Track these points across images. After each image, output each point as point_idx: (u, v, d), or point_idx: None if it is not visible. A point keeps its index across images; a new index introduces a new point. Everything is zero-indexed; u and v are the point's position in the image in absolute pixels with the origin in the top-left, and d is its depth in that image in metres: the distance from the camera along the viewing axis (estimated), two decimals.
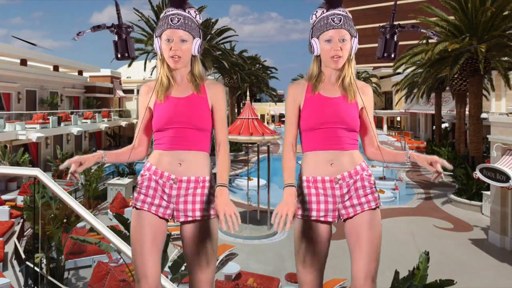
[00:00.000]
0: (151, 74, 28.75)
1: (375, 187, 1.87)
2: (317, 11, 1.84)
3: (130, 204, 1.90)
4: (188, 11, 1.83)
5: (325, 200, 1.82)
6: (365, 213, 1.80)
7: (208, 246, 1.81)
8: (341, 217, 1.83)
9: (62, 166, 1.84)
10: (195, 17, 1.84)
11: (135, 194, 1.86)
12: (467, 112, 19.81)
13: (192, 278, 1.85)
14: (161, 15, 1.85)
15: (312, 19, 1.85)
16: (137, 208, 1.83)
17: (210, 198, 1.82)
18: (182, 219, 1.82)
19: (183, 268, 5.80)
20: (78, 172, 1.78)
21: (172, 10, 1.82)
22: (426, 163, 1.74)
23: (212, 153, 1.94)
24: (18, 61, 24.49)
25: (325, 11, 1.82)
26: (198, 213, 1.80)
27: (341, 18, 1.79)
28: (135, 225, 1.82)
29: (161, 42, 1.82)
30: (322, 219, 1.82)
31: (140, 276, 1.77)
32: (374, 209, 1.82)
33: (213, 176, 1.88)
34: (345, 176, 1.82)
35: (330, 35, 1.78)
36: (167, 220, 1.85)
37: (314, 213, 1.82)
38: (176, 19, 1.79)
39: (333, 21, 1.78)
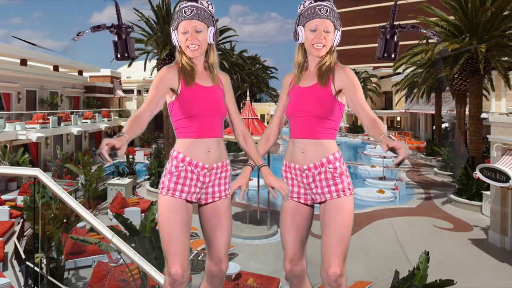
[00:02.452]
0: (151, 74, 28.74)
1: (341, 178, 1.93)
2: (305, 1, 1.94)
3: (162, 193, 1.93)
4: (201, 2, 1.92)
5: (298, 184, 2.01)
6: (331, 200, 1.94)
7: (229, 219, 2.02)
8: (315, 201, 2.02)
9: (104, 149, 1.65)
10: (208, 7, 1.93)
11: (171, 185, 1.91)
12: (467, 112, 19.79)
13: (212, 247, 2.00)
14: (176, 9, 1.94)
15: (300, 8, 1.95)
16: (173, 197, 1.92)
17: (228, 181, 2.03)
18: (210, 200, 1.99)
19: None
20: (115, 156, 1.70)
21: (185, 3, 1.91)
22: (386, 147, 1.67)
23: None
24: (18, 61, 24.48)
25: (313, 1, 1.92)
26: (223, 194, 2.00)
27: (327, 9, 1.89)
28: (170, 210, 1.91)
29: (178, 35, 1.92)
30: (295, 200, 2.02)
31: (173, 256, 1.86)
32: (337, 198, 1.93)
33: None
34: (311, 167, 1.95)
35: (315, 24, 1.88)
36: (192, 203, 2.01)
37: (294, 195, 2.02)
38: (189, 10, 1.88)
39: (320, 11, 1.88)
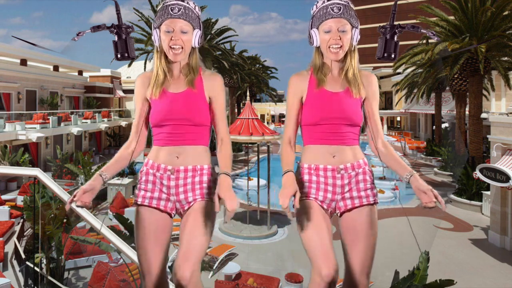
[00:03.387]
0: None
1: (374, 184, 1.85)
2: (318, 1, 1.81)
3: (133, 201, 1.89)
4: (187, 2, 1.80)
5: (325, 188, 1.80)
6: (364, 208, 1.78)
7: (196, 219, 1.73)
8: (338, 210, 1.81)
9: (67, 208, 1.78)
10: (195, 8, 1.80)
11: (136, 191, 1.85)
12: (467, 112, 19.80)
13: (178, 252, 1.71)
14: (159, 7, 1.82)
15: (312, 9, 1.82)
16: (138, 204, 1.82)
17: (210, 185, 1.80)
18: (186, 208, 1.79)
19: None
20: (85, 202, 1.74)
21: (171, 1, 1.78)
22: (419, 191, 1.71)
23: (213, 153, 1.92)
24: (18, 61, 24.48)
25: (326, 0, 1.78)
26: (199, 198, 1.79)
27: (340, 7, 1.74)
28: (137, 221, 1.80)
29: (160, 33, 1.78)
30: (319, 203, 1.79)
31: (144, 273, 1.76)
32: (373, 204, 1.80)
33: (213, 167, 1.86)
34: (348, 167, 1.80)
35: (329, 25, 1.74)
36: (170, 216, 1.83)
37: (313, 196, 1.80)
38: (177, 8, 1.75)
39: (333, 11, 1.74)
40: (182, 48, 1.77)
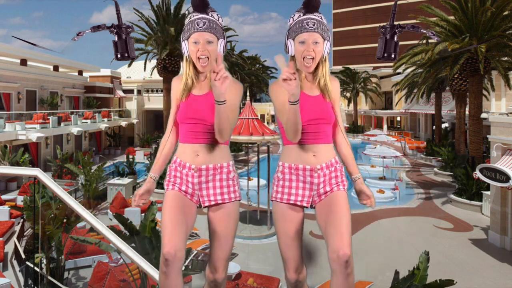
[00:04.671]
0: (151, 74, 28.75)
1: (343, 176, 2.09)
2: (294, 15, 2.01)
3: (166, 188, 2.09)
4: (211, 15, 1.99)
5: (303, 186, 2.04)
6: (333, 193, 2.02)
7: (228, 227, 2.03)
8: (313, 204, 2.05)
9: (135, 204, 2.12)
10: (218, 20, 2.00)
11: (166, 183, 2.06)
12: (467, 112, 19.80)
13: (211, 254, 2.05)
14: (187, 20, 2.00)
15: (289, 21, 2.02)
16: (169, 190, 2.03)
17: (228, 183, 2.04)
18: (206, 204, 2.03)
19: (183, 268, 5.80)
20: (143, 201, 2.09)
21: (197, 15, 1.97)
22: (363, 193, 2.08)
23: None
24: (18, 61, 24.48)
25: (301, 15, 1.99)
26: (219, 197, 2.02)
27: (315, 22, 1.95)
28: (166, 201, 2.00)
29: (188, 45, 1.97)
30: (298, 203, 2.03)
31: (165, 234, 1.89)
32: (343, 191, 2.04)
33: (233, 163, 2.10)
34: (323, 167, 2.04)
35: (304, 38, 1.94)
36: (195, 205, 2.06)
37: (292, 197, 2.04)
38: (202, 22, 1.95)
39: (307, 25, 1.94)
40: (208, 58, 1.96)
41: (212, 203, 2.02)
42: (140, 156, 25.21)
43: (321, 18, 1.98)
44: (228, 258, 2.08)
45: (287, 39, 2.01)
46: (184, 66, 2.04)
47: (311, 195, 2.04)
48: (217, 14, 2.00)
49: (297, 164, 2.04)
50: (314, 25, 1.94)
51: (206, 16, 1.96)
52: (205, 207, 2.05)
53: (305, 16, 1.97)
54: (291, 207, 2.04)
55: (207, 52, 1.94)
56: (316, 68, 2.02)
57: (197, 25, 1.94)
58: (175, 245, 1.86)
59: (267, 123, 50.26)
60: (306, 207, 2.07)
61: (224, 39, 1.99)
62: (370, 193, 2.07)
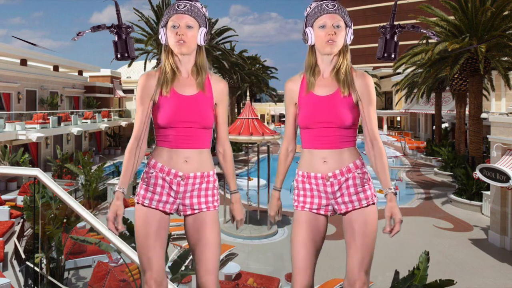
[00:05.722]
0: None
1: (369, 184, 1.87)
2: (311, 4, 1.84)
3: (135, 200, 1.91)
4: (195, 2, 1.84)
5: (318, 195, 1.87)
6: (358, 210, 1.84)
7: (216, 235, 1.86)
8: (336, 212, 1.88)
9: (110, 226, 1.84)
10: (201, 8, 1.84)
11: (141, 191, 1.88)
12: (467, 112, 19.80)
13: (198, 270, 1.85)
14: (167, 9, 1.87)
15: (306, 11, 1.85)
16: (144, 206, 1.86)
17: (214, 192, 1.90)
18: (188, 212, 1.87)
19: (183, 268, 5.80)
20: (119, 224, 1.82)
21: (179, 1, 1.83)
22: (391, 215, 1.82)
23: (213, 153, 1.97)
24: (18, 61, 24.48)
25: (318, 1, 1.82)
26: (203, 206, 1.87)
27: (335, 4, 1.78)
28: (140, 221, 1.85)
29: (166, 31, 1.81)
30: (314, 211, 1.87)
31: (145, 268, 1.83)
32: (367, 206, 1.84)
33: (215, 170, 1.94)
34: (336, 174, 1.84)
35: (324, 21, 1.76)
36: (169, 214, 1.91)
37: (307, 206, 1.88)
38: (183, 5, 1.79)
39: (327, 7, 1.77)
40: (186, 42, 1.79)
41: (196, 211, 1.86)
42: None
43: (340, 4, 1.80)
44: (217, 273, 1.87)
45: (306, 27, 1.81)
46: (162, 56, 1.86)
47: (329, 203, 1.86)
48: (201, 4, 1.84)
49: (309, 172, 1.87)
50: (334, 6, 1.76)
51: (188, 1, 1.80)
52: (186, 215, 1.88)
53: (323, 1, 1.79)
54: (308, 213, 1.88)
55: (185, 37, 1.76)
56: (337, 57, 1.83)
57: (177, 7, 1.78)
58: (155, 280, 1.83)
59: (267, 123, 50.29)
60: (325, 215, 1.90)
61: (206, 28, 1.82)
62: (398, 218, 1.80)
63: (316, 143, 1.85)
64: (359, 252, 1.80)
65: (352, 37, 1.82)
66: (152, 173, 1.86)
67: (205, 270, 1.82)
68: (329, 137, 1.82)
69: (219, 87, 1.90)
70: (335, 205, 1.86)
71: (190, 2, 1.81)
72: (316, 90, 1.84)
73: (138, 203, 1.88)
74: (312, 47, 1.86)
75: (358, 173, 1.85)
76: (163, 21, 1.82)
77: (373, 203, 1.86)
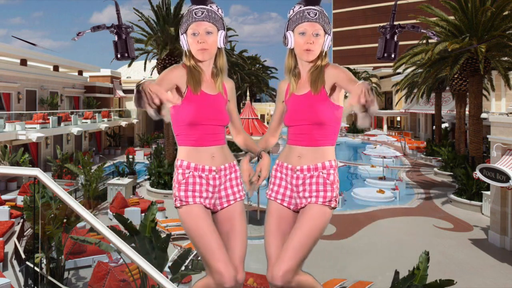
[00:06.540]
0: (151, 74, 28.72)
1: (332, 187, 1.90)
2: (295, 7, 1.91)
3: (177, 204, 1.93)
4: (210, 6, 1.89)
5: (285, 185, 1.98)
6: (312, 205, 1.88)
7: (244, 224, 1.96)
8: (298, 206, 1.95)
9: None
10: (218, 11, 1.90)
11: (181, 193, 1.89)
12: (467, 112, 19.80)
13: (230, 257, 1.87)
14: (184, 13, 1.92)
15: (289, 13, 1.92)
16: (189, 204, 1.88)
17: (238, 182, 2.01)
18: (225, 205, 1.96)
19: (183, 268, 5.81)
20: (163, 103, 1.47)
21: (195, 6, 1.88)
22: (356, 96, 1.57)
23: None
24: (18, 61, 24.48)
25: (302, 6, 1.89)
26: (236, 196, 1.98)
27: (316, 12, 1.86)
28: (193, 219, 1.86)
29: (187, 38, 1.88)
30: (279, 202, 1.98)
31: (219, 260, 1.78)
32: (321, 205, 1.88)
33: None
34: (304, 168, 1.92)
35: (304, 28, 1.85)
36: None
37: (274, 195, 2.00)
38: (200, 12, 1.86)
39: (309, 15, 1.85)
40: (208, 49, 1.87)
41: (232, 202, 1.95)
42: (140, 156, 25.21)
43: (322, 10, 1.87)
44: (244, 259, 1.92)
45: (286, 31, 1.91)
46: (184, 61, 1.94)
47: (292, 196, 1.95)
48: (216, 6, 1.90)
49: (283, 162, 1.99)
50: (315, 15, 1.85)
51: (205, 6, 1.87)
52: (222, 208, 1.95)
53: (306, 7, 1.87)
54: (277, 205, 1.98)
55: (206, 45, 1.84)
56: (315, 62, 1.92)
57: (195, 14, 1.85)
58: (232, 269, 1.79)
59: (267, 123, 50.23)
60: (290, 209, 1.96)
61: (224, 30, 1.89)
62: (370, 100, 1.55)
63: (295, 140, 1.95)
64: (295, 240, 1.80)
65: (331, 43, 1.90)
66: (189, 173, 1.91)
67: (238, 257, 1.87)
68: (306, 134, 1.90)
69: (230, 86, 2.02)
70: (297, 199, 1.94)
71: (206, 7, 1.87)
72: (296, 90, 1.95)
73: (182, 205, 1.88)
74: (292, 50, 1.94)
75: (322, 173, 1.91)
76: (183, 28, 1.88)
77: (330, 207, 1.89)
